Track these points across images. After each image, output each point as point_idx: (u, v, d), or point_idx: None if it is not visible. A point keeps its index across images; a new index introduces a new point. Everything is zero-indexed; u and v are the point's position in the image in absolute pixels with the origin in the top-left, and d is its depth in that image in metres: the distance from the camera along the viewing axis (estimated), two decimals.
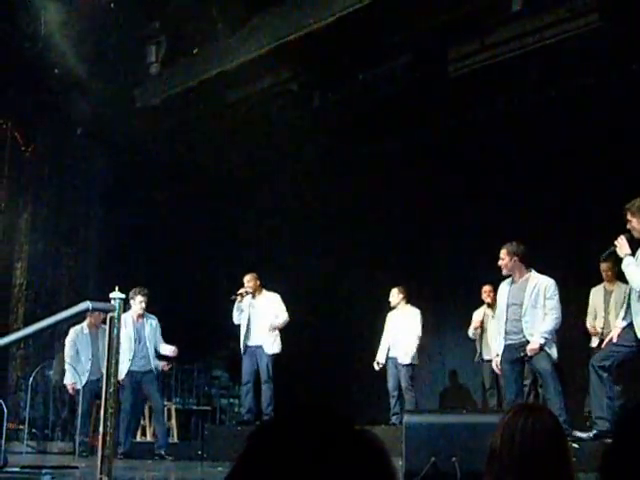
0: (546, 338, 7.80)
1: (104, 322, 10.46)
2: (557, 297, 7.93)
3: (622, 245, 7.12)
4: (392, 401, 10.72)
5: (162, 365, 10.61)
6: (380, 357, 10.88)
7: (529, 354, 7.84)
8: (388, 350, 10.85)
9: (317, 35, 10.17)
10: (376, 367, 10.91)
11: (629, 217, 7.06)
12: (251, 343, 10.45)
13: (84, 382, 10.68)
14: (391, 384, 10.77)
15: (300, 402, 1.33)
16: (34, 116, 13.17)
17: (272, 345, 10.37)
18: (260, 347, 10.38)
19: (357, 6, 9.50)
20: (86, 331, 11.04)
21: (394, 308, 10.97)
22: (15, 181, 13.29)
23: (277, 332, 10.46)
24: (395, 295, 10.91)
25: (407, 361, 10.66)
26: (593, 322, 10.08)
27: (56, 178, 13.36)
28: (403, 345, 10.70)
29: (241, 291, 10.40)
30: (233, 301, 10.47)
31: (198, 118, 12.56)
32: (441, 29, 10.45)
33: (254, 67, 11.11)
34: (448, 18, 10.27)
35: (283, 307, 10.52)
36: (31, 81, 12.31)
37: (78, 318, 9.93)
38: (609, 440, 1.60)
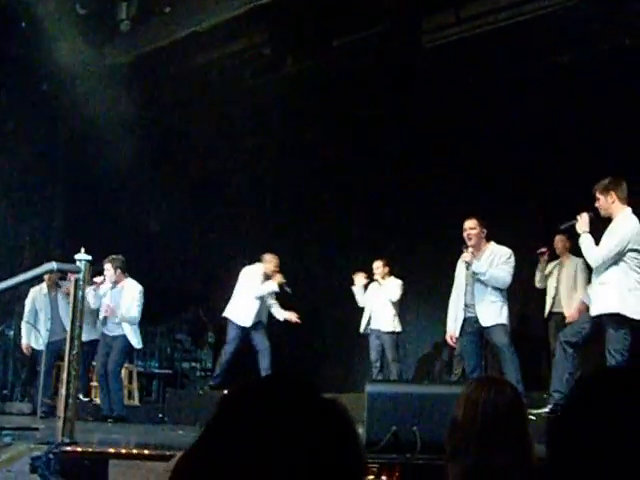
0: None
1: (58, 283, 10.58)
2: (512, 264, 8.01)
3: (583, 222, 7.14)
4: (374, 371, 10.93)
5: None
6: (362, 327, 11.07)
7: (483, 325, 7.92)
8: (369, 321, 10.99)
9: None
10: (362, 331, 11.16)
11: (597, 195, 7.09)
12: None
13: (45, 342, 10.61)
14: (373, 355, 10.99)
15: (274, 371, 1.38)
16: None
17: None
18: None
19: None
20: (45, 291, 10.97)
21: (376, 280, 11.02)
22: None
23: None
24: (380, 267, 10.92)
25: (389, 328, 10.82)
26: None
27: (21, 134, 13.10)
28: (385, 314, 10.82)
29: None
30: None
31: (168, 79, 12.41)
32: None
33: (227, 29, 11.02)
34: None
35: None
36: None
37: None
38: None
